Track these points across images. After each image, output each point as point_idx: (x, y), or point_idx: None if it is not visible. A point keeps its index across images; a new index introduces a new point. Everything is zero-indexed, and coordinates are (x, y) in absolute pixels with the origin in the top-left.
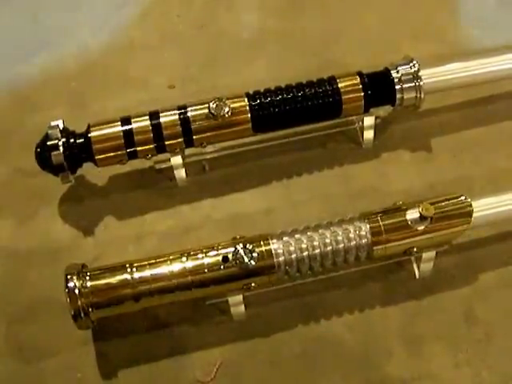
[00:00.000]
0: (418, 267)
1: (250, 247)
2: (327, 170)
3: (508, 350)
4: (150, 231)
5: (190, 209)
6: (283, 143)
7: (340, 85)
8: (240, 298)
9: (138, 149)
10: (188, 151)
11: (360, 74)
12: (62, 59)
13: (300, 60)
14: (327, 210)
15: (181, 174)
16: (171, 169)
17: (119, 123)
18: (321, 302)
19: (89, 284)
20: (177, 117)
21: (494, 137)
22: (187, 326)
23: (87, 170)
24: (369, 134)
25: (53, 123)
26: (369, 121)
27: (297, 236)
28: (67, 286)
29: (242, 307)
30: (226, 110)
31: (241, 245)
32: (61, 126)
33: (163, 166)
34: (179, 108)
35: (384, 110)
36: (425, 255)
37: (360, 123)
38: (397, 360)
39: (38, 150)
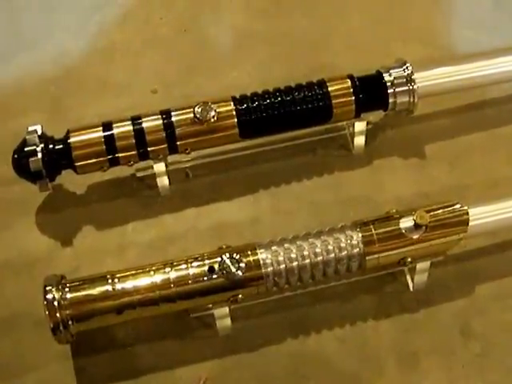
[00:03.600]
0: (412, 279)
1: (237, 257)
2: (317, 177)
3: (505, 365)
4: (132, 242)
5: (173, 218)
6: (271, 150)
7: (330, 88)
8: (226, 310)
9: (120, 155)
10: (171, 158)
11: (351, 77)
12: (41, 62)
13: (288, 63)
14: (317, 219)
15: (164, 181)
16: (153, 176)
17: (100, 128)
18: (311, 316)
19: (68, 296)
20: (160, 122)
21: (491, 142)
22: (171, 340)
23: (66, 178)
24: (360, 140)
25: (31, 128)
26: (360, 126)
27: (286, 245)
28: (46, 298)
29: (228, 320)
30: (212, 114)
31: (227, 254)
32: (39, 132)
33: (145, 173)
34: (162, 113)
35: (376, 115)
36: (419, 266)
37: (351, 129)
38: (390, 376)
39: (15, 156)
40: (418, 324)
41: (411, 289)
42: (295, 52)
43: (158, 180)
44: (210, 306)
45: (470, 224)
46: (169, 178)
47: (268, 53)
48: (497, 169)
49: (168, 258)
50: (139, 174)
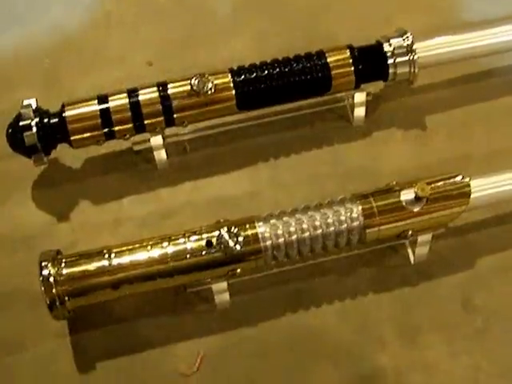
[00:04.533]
0: (413, 252)
1: (235, 231)
2: (316, 149)
3: (507, 338)
4: (128, 216)
5: (171, 192)
6: (269, 122)
7: (329, 59)
8: (224, 285)
9: (116, 128)
10: (168, 131)
11: (350, 47)
12: (35, 36)
13: (286, 34)
14: (316, 192)
15: (161, 155)
16: (150, 150)
17: (95, 102)
18: (310, 289)
19: (64, 271)
20: (157, 94)
21: (493, 113)
22: (168, 315)
23: (62, 152)
24: (360, 112)
25: (25, 102)
26: (360, 97)
27: (285, 219)
28: (41, 274)
29: (227, 295)
30: (209, 86)
31: (225, 228)
32: (34, 106)
33: (142, 147)
34: (159, 85)
35: (376, 86)
36: (420, 238)
37: (350, 100)
38: (390, 350)
39: (10, 130)
40: (419, 297)
41: (412, 262)
42: (294, 22)
43: (155, 153)
44: (208, 280)
45: (472, 196)
46: (166, 151)
47: (267, 23)
48: (498, 140)
49: (165, 232)
50: (136, 148)
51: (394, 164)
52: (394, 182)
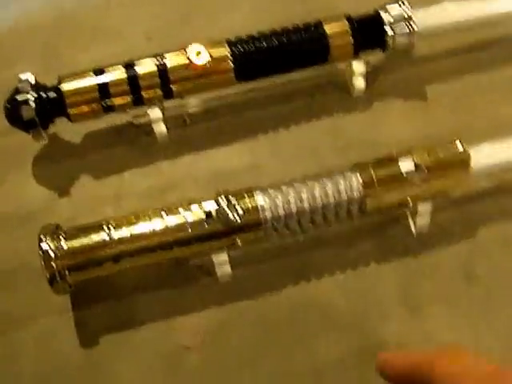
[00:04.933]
0: (415, 222)
1: (235, 202)
2: (316, 121)
3: (510, 310)
4: (129, 190)
5: (171, 165)
6: (269, 95)
7: (327, 29)
8: (225, 256)
9: (114, 101)
10: (168, 104)
11: (348, 17)
12: (34, 11)
13: (284, 5)
14: (316, 164)
15: (160, 128)
16: (150, 123)
17: (93, 75)
18: (311, 262)
19: (64, 245)
20: (154, 66)
21: (494, 83)
22: (170, 289)
23: (61, 127)
24: (359, 83)
25: (23, 77)
26: (359, 68)
27: (284, 189)
28: (41, 248)
29: (228, 267)
30: (207, 56)
31: (225, 200)
32: (31, 80)
33: (142, 120)
34: (156, 57)
35: (375, 57)
36: (421, 208)
37: (350, 71)
38: (393, 322)
39: (7, 105)
40: (422, 268)
41: (414, 232)
42: None
43: (154, 127)
44: (209, 252)
45: (472, 165)
46: (166, 124)
47: None
48: (499, 110)
49: (166, 205)
50: (136, 121)
51: (395, 134)
52: (394, 152)
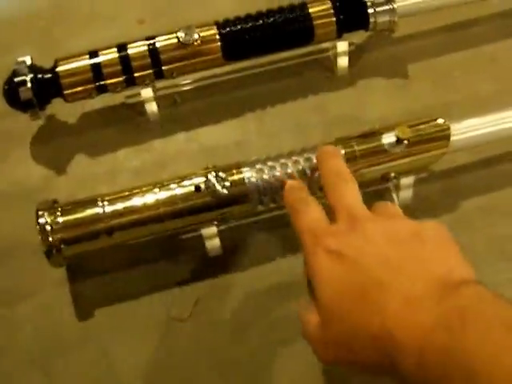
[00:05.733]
0: (398, 196)
1: (223, 176)
2: (301, 99)
3: (492, 280)
4: (124, 167)
5: (164, 143)
6: (255, 74)
7: (311, 10)
8: (214, 229)
9: (107, 82)
10: (159, 85)
11: None
12: None
13: None
14: (302, 140)
15: (152, 107)
16: (142, 103)
17: (87, 56)
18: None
19: (60, 219)
20: (145, 48)
21: (474, 61)
22: (162, 263)
23: (58, 108)
24: (343, 62)
25: (20, 59)
26: (342, 47)
27: (270, 163)
28: (38, 223)
29: (217, 240)
30: (195, 37)
31: (213, 173)
32: (28, 62)
33: (134, 100)
34: (147, 39)
35: (358, 37)
36: (403, 181)
37: (334, 50)
38: None
39: (6, 86)
40: None
41: (397, 205)
42: None
43: (146, 106)
44: (198, 225)
45: (453, 139)
46: (157, 104)
47: None
48: (481, 86)
49: (158, 180)
50: (128, 101)
51: (378, 111)
52: (377, 127)
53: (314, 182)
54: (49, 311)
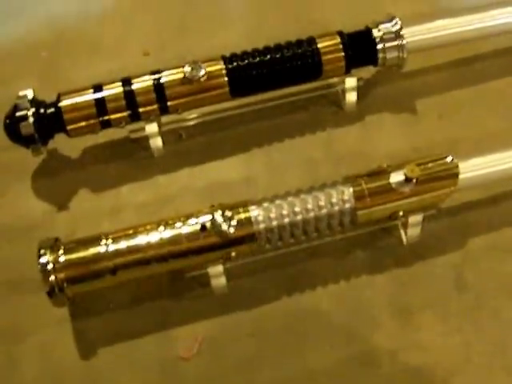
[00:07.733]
0: (406, 233)
1: (229, 215)
2: (309, 134)
3: (499, 317)
4: (127, 203)
5: (168, 179)
6: (263, 108)
7: (320, 45)
8: (220, 268)
9: (111, 117)
10: (164, 119)
11: (340, 33)
12: (32, 28)
13: (280, 22)
14: (310, 176)
15: (157, 142)
16: (147, 138)
17: (91, 91)
18: (305, 272)
19: (62, 258)
20: (150, 82)
21: (481, 97)
22: (167, 301)
23: (60, 142)
24: (351, 97)
25: (21, 93)
26: (351, 83)
27: (277, 202)
28: (40, 261)
29: (223, 279)
30: (202, 73)
31: (219, 212)
32: (30, 96)
33: (138, 135)
34: (153, 73)
35: (366, 72)
36: (411, 219)
37: (342, 86)
38: (385, 330)
39: (7, 121)
40: (412, 277)
41: (405, 243)
42: (287, 10)
43: (150, 141)
44: (205, 264)
45: (461, 177)
46: (162, 139)
47: (260, 11)
48: (487, 122)
49: (162, 218)
50: (133, 136)
51: (386, 147)
52: (385, 165)
53: (319, 220)
54: (51, 350)
